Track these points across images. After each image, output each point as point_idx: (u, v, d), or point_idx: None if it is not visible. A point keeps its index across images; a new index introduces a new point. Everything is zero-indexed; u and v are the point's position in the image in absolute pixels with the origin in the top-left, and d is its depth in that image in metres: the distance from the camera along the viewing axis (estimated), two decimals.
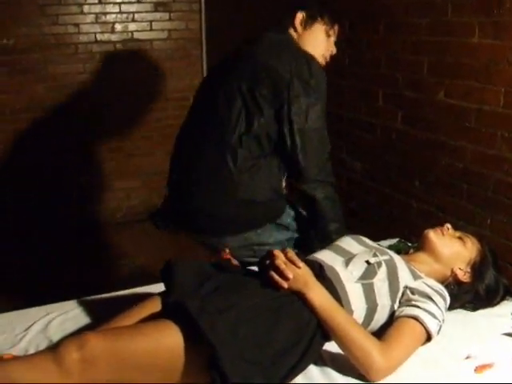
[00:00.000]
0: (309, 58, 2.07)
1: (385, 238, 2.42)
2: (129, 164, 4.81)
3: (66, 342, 1.42)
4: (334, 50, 2.24)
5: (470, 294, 1.90)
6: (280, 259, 1.61)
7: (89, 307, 1.97)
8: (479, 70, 2.29)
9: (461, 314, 1.90)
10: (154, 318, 1.59)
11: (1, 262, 3.96)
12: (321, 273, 1.69)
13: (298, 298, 1.58)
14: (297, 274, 1.59)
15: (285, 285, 1.58)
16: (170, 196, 2.36)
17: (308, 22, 2.14)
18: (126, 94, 4.65)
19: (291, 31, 2.16)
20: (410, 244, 2.36)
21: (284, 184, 2.20)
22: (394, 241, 2.42)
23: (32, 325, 1.85)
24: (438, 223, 2.05)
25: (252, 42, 2.16)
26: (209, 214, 2.17)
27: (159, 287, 2.08)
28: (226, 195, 2.11)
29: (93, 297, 2.07)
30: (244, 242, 2.18)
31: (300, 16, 2.13)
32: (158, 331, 1.46)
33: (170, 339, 1.44)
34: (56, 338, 1.77)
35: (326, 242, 1.99)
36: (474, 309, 1.91)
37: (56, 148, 4.52)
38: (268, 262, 1.64)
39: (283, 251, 1.65)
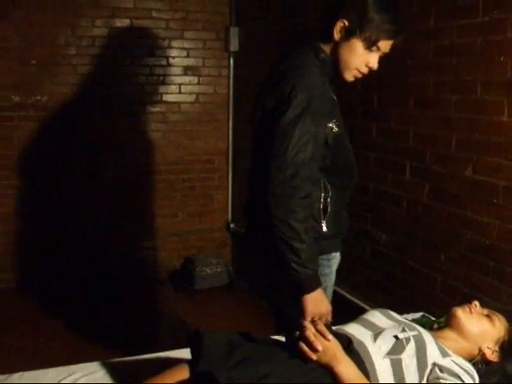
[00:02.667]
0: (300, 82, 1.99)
1: (408, 312, 2.40)
2: (150, 222, 4.85)
3: None
4: (374, 66, 2.09)
5: (498, 374, 1.87)
6: (310, 331, 1.61)
7: (113, 369, 1.96)
8: (508, 148, 2.32)
9: None
10: None
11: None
12: (349, 346, 1.68)
13: (327, 371, 1.57)
14: (326, 346, 1.59)
15: (314, 357, 1.57)
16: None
17: (346, 34, 2.02)
18: (153, 154, 4.74)
19: (321, 44, 2.07)
20: (433, 319, 2.34)
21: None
22: (417, 315, 2.41)
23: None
24: (462, 299, 2.04)
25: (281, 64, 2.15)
26: None
27: (179, 353, 2.11)
28: None
29: (116, 359, 2.07)
30: None
31: (339, 25, 2.01)
32: None
33: None
34: None
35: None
36: None
37: (78, 199, 4.59)
38: (298, 333, 1.64)
39: (313, 323, 1.66)
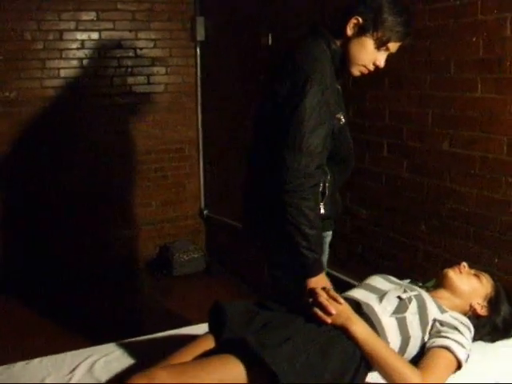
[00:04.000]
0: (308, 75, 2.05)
1: None
2: (123, 213, 4.90)
3: (136, 377, 1.52)
4: (381, 65, 2.15)
5: (487, 327, 2.04)
6: (323, 297, 1.76)
7: (129, 349, 2.04)
8: (483, 121, 2.49)
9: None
10: (207, 354, 1.70)
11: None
12: (358, 309, 1.82)
13: (342, 332, 1.71)
14: (339, 309, 1.73)
15: (328, 320, 1.72)
16: None
17: (359, 31, 2.09)
18: (123, 144, 4.78)
19: (331, 37, 2.12)
20: (420, 284, 2.49)
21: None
22: (405, 281, 2.56)
23: (77, 366, 1.91)
24: (444, 265, 2.21)
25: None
26: None
27: (191, 330, 2.21)
28: None
29: (129, 340, 2.13)
30: None
31: (353, 22, 2.08)
32: (222, 365, 1.57)
33: (233, 372, 1.55)
34: (104, 378, 1.85)
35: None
36: (492, 340, 2.05)
37: (52, 196, 4.61)
38: (311, 299, 1.78)
39: (324, 289, 1.80)
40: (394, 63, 2.87)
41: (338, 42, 2.14)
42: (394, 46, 2.13)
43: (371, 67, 2.16)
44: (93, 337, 3.36)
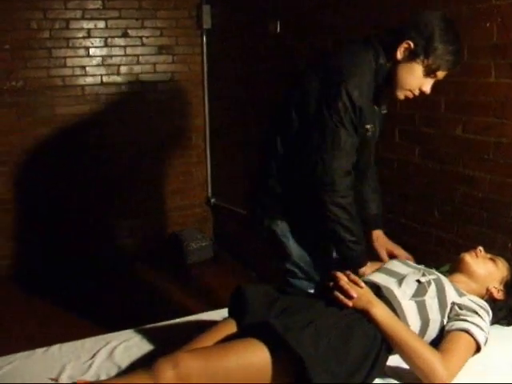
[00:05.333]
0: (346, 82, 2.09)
1: None
2: (131, 202, 4.91)
3: (161, 361, 1.52)
4: (427, 91, 2.17)
5: (504, 310, 2.05)
6: (344, 280, 1.77)
7: (148, 335, 2.04)
8: (496, 107, 2.49)
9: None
10: (230, 339, 1.70)
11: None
12: (378, 293, 1.83)
13: (363, 315, 1.72)
14: (360, 293, 1.75)
15: (350, 303, 1.73)
16: None
17: (409, 56, 2.09)
18: (131, 133, 4.79)
19: (381, 52, 2.13)
20: (434, 269, 2.50)
21: None
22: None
23: (96, 353, 1.91)
24: (457, 250, 2.22)
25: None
26: None
27: (209, 315, 2.22)
28: None
29: (149, 326, 2.14)
30: None
31: (404, 46, 2.08)
32: (246, 349, 1.57)
33: (257, 356, 1.56)
34: (124, 364, 1.85)
35: None
36: (509, 324, 2.07)
37: (61, 187, 4.62)
38: (331, 283, 1.79)
39: (345, 273, 1.81)
40: None
41: (387, 62, 2.14)
42: (442, 74, 2.14)
43: (417, 92, 2.18)
44: (107, 324, 3.39)
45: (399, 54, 2.10)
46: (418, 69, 2.10)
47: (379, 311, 1.72)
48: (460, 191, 2.71)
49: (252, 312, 1.74)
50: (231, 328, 1.77)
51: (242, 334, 1.70)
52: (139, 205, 4.93)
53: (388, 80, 2.17)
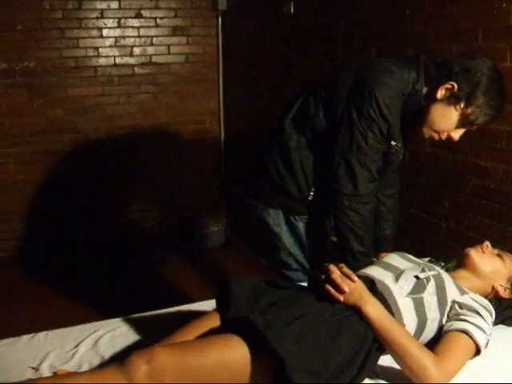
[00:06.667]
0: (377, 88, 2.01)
1: None
2: (143, 186, 4.87)
3: (135, 355, 1.45)
4: (455, 139, 2.07)
5: (510, 310, 1.95)
6: (335, 273, 1.67)
7: (136, 324, 1.99)
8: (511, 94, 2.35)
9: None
10: (212, 333, 1.64)
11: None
12: (373, 288, 1.73)
13: (354, 311, 1.63)
14: (352, 287, 1.65)
15: (341, 298, 1.63)
16: None
17: (449, 98, 1.98)
18: (145, 115, 4.73)
19: (423, 77, 2.04)
20: (442, 263, 2.40)
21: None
22: (425, 260, 2.47)
23: (81, 341, 1.88)
24: (468, 243, 2.11)
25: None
26: None
27: (200, 306, 2.15)
28: None
29: (138, 315, 2.09)
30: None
31: (447, 87, 1.97)
32: (225, 345, 1.50)
33: (236, 352, 1.48)
34: (107, 354, 1.81)
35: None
36: None
37: (73, 169, 4.59)
38: (323, 276, 1.69)
39: (338, 266, 1.71)
40: (418, 33, 2.77)
41: (426, 95, 2.03)
42: (476, 126, 2.03)
43: (444, 137, 2.08)
44: (115, 309, 3.36)
45: (440, 93, 1.98)
46: (453, 114, 1.99)
47: (371, 308, 1.62)
48: (471, 182, 2.59)
49: (235, 306, 1.66)
50: (215, 322, 1.70)
51: (224, 328, 1.62)
52: (152, 189, 4.88)
53: (418, 112, 2.06)
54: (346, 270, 1.70)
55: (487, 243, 2.00)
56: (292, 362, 1.42)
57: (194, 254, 4.70)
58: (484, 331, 1.68)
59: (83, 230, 4.66)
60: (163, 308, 2.15)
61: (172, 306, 2.17)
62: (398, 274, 1.80)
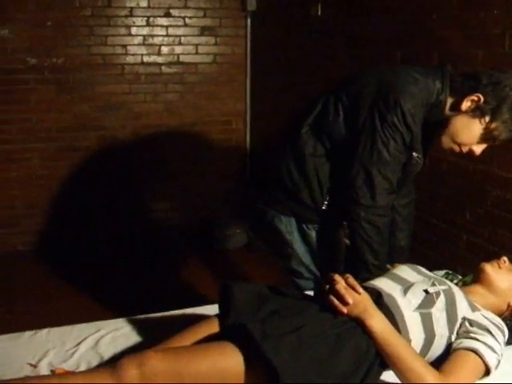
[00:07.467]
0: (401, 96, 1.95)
1: (430, 270, 2.39)
2: (167, 185, 4.85)
3: (126, 359, 1.43)
4: (476, 153, 2.00)
5: None
6: (340, 284, 1.61)
7: (139, 326, 1.97)
8: None
9: None
10: (210, 339, 1.60)
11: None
12: (379, 300, 1.67)
13: (357, 324, 1.57)
14: (356, 299, 1.58)
15: (344, 310, 1.57)
16: None
17: (474, 111, 1.91)
18: (171, 115, 4.72)
19: (447, 86, 1.96)
20: (459, 276, 2.32)
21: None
22: (440, 272, 2.39)
23: (83, 340, 1.86)
24: (487, 257, 2.02)
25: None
26: None
27: (204, 309, 2.11)
28: None
29: (143, 316, 2.07)
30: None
31: (472, 99, 1.90)
32: (219, 353, 1.46)
33: (230, 361, 1.44)
34: (107, 355, 1.78)
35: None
36: None
37: (97, 167, 4.61)
38: (328, 286, 1.63)
39: (343, 276, 1.65)
40: (444, 37, 2.69)
41: (450, 106, 1.97)
42: (498, 141, 1.96)
43: (465, 150, 2.00)
44: (124, 308, 3.35)
45: (465, 104, 1.91)
46: (477, 128, 1.92)
47: (376, 322, 1.55)
48: (493, 193, 2.51)
49: (235, 313, 1.62)
50: (213, 328, 1.66)
51: (222, 335, 1.58)
52: (175, 188, 4.86)
53: (440, 123, 1.99)
54: (351, 280, 1.63)
55: (504, 258, 1.91)
56: (285, 371, 1.38)
57: (214, 255, 4.67)
58: (495, 351, 1.60)
59: (105, 227, 4.68)
60: (175, 308, 2.13)
61: (185, 307, 2.14)
62: (406, 287, 1.73)
